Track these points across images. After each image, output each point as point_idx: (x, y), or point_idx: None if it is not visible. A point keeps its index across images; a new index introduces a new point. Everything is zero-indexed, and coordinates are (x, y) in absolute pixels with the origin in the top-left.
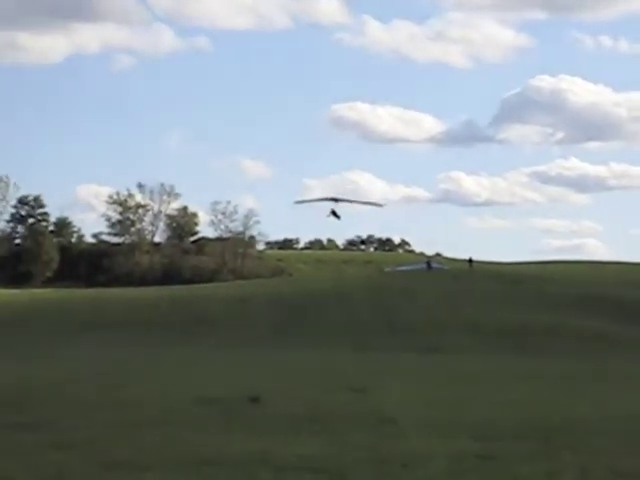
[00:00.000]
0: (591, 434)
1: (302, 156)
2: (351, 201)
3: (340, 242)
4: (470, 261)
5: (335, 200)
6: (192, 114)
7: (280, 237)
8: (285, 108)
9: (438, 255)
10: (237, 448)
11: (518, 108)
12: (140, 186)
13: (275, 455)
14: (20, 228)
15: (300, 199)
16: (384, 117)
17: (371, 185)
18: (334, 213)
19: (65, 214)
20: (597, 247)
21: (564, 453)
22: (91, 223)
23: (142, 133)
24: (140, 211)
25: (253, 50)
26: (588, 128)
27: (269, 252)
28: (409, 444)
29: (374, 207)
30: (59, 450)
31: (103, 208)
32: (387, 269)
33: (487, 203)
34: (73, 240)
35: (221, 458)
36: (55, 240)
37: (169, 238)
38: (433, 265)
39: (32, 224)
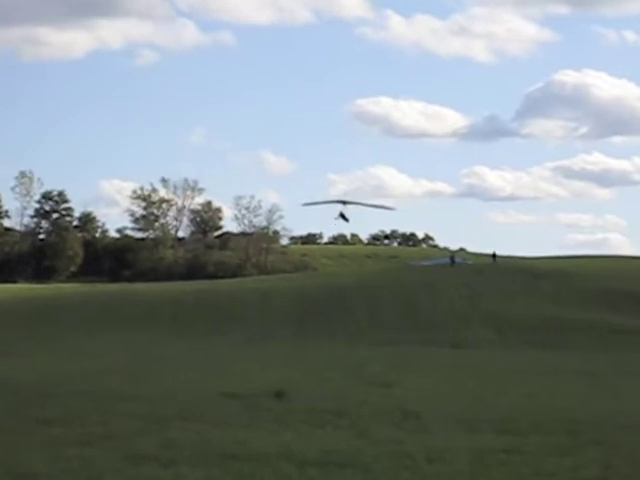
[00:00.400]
0: (615, 429)
1: (325, 151)
2: (360, 204)
3: (364, 237)
4: (494, 256)
5: (343, 203)
6: (215, 109)
7: (304, 232)
8: (308, 103)
9: (462, 250)
10: (261, 443)
11: (541, 103)
12: (164, 181)
13: (299, 450)
14: (44, 223)
15: (309, 201)
16: (407, 112)
17: (394, 180)
18: (342, 216)
19: (89, 209)
20: (621, 242)
21: (588, 448)
22: (115, 218)
23: (166, 128)
24: (164, 206)
25: (276, 45)
26: (612, 123)
27: (293, 247)
28: (433, 439)
29: (396, 202)
30: (84, 444)
31: (127, 203)
32: (411, 264)
33: (511, 198)
34: (97, 235)
35: (245, 453)
36: (79, 235)
37: (193, 233)
38: (456, 260)
39: (56, 219)
